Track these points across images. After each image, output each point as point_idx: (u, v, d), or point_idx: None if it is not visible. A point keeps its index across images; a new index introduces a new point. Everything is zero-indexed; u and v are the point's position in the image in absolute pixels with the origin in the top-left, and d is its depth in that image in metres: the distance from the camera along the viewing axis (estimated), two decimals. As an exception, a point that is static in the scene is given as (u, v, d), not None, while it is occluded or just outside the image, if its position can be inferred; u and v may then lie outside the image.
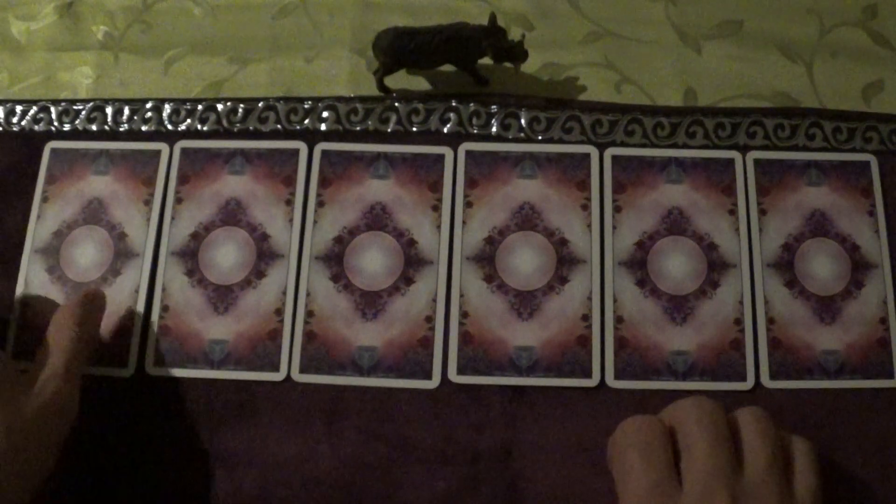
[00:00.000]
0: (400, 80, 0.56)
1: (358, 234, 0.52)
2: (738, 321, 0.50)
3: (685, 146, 0.54)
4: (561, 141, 0.54)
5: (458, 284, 0.51)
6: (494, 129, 0.54)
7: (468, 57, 0.54)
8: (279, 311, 0.51)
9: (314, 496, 0.47)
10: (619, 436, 0.43)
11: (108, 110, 0.56)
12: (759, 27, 0.58)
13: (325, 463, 0.48)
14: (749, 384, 0.48)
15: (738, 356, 0.49)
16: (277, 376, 0.49)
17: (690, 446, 0.40)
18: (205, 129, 0.55)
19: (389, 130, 0.55)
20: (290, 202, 0.53)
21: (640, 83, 0.56)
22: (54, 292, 0.51)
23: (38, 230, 0.53)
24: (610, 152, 0.53)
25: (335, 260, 0.52)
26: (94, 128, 0.55)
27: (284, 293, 0.51)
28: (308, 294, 0.51)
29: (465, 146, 0.54)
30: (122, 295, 0.51)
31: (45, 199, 0.53)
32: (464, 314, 0.50)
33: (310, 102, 0.56)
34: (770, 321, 0.50)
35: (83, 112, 0.56)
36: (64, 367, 0.44)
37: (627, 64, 0.57)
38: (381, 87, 0.56)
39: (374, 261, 0.52)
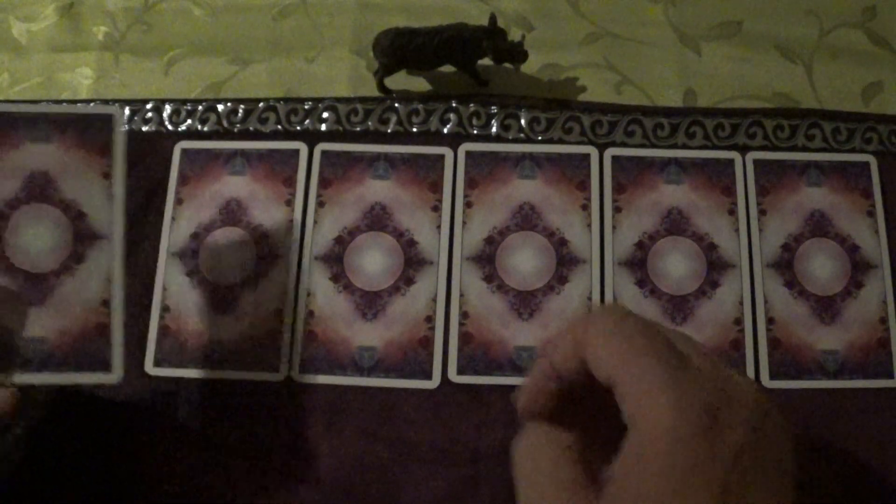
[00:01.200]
0: (400, 81, 0.56)
1: (358, 235, 0.52)
2: (738, 321, 0.50)
3: (685, 147, 0.54)
4: (561, 141, 0.54)
5: (458, 285, 0.51)
6: (494, 129, 0.54)
7: (468, 58, 0.54)
8: (279, 312, 0.51)
9: (314, 496, 0.47)
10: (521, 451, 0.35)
11: (109, 111, 0.56)
12: (758, 28, 0.58)
13: (325, 463, 0.47)
14: (749, 384, 0.48)
15: (737, 356, 0.49)
16: (277, 376, 0.49)
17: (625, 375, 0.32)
18: (205, 129, 0.55)
19: (389, 131, 0.55)
20: (290, 203, 0.53)
21: (640, 84, 0.56)
22: None
23: None
24: (610, 153, 0.53)
25: (335, 260, 0.52)
26: (94, 128, 0.55)
27: (285, 294, 0.51)
28: (308, 294, 0.51)
29: (464, 147, 0.54)
30: (90, 291, 0.44)
31: None
32: (464, 314, 0.50)
33: (310, 103, 0.56)
34: (770, 321, 0.50)
35: (83, 113, 0.56)
36: None
37: (627, 65, 0.57)
38: (382, 87, 0.56)
39: (373, 261, 0.52)
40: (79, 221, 0.45)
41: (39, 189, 0.45)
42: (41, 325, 0.42)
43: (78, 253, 0.45)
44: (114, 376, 0.43)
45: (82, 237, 0.45)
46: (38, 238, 0.44)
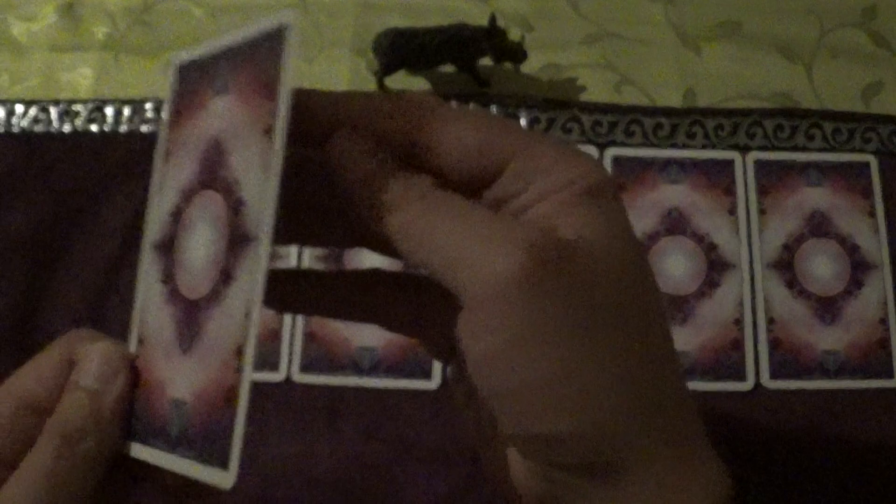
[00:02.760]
0: (400, 81, 0.56)
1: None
2: (738, 321, 0.50)
3: (685, 147, 0.54)
4: (561, 141, 0.54)
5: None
6: (494, 129, 0.54)
7: (468, 57, 0.54)
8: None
9: (314, 496, 0.47)
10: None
11: (109, 111, 0.56)
12: (758, 28, 0.58)
13: (325, 463, 0.47)
14: (749, 384, 0.48)
15: (738, 356, 0.49)
16: (277, 376, 0.49)
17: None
18: (205, 129, 0.55)
19: (389, 131, 0.55)
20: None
21: (640, 84, 0.56)
22: None
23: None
24: (610, 153, 0.53)
25: (333, 260, 0.52)
26: (93, 128, 0.55)
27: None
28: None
29: (465, 147, 0.54)
30: None
31: None
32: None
33: (310, 103, 0.56)
34: (770, 321, 0.50)
35: (83, 113, 0.56)
36: None
37: (627, 65, 0.57)
38: (382, 87, 0.56)
39: (375, 262, 0.51)
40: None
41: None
42: None
43: None
44: None
45: None
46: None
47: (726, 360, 0.49)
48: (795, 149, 0.54)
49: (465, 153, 0.25)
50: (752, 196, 0.52)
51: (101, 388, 0.26)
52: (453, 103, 0.55)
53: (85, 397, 0.26)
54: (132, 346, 0.27)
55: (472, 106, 0.55)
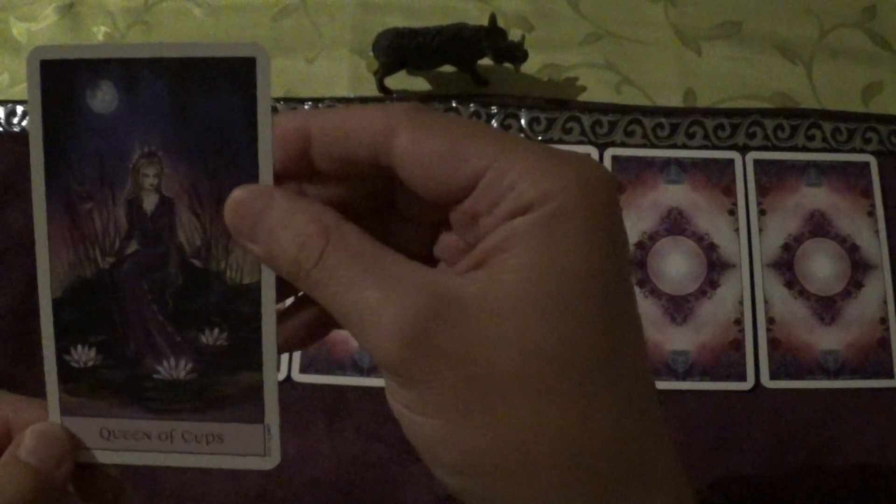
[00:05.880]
0: (400, 81, 0.56)
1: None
2: (738, 321, 0.50)
3: (685, 147, 0.54)
4: (561, 141, 0.54)
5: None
6: (494, 129, 0.54)
7: (468, 57, 0.54)
8: (279, 312, 0.50)
9: (314, 496, 0.47)
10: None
11: (109, 111, 0.56)
12: (758, 28, 0.58)
13: (325, 463, 0.47)
14: (749, 384, 0.48)
15: (738, 356, 0.49)
16: (277, 376, 0.49)
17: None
18: (205, 129, 0.55)
19: (389, 131, 0.55)
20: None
21: (640, 84, 0.56)
22: None
23: None
24: (610, 153, 0.53)
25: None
26: (94, 128, 0.55)
27: (284, 293, 0.50)
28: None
29: (465, 147, 0.54)
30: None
31: None
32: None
33: (310, 103, 0.56)
34: (770, 321, 0.50)
35: (83, 112, 0.56)
36: None
37: (627, 65, 0.57)
38: (382, 87, 0.56)
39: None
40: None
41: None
42: None
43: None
44: None
45: None
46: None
47: (726, 360, 0.49)
48: (795, 149, 0.54)
49: (431, 165, 0.22)
50: (752, 196, 0.52)
51: (48, 470, 0.25)
52: (452, 103, 0.55)
53: (29, 474, 0.25)
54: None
55: (471, 106, 0.55)
